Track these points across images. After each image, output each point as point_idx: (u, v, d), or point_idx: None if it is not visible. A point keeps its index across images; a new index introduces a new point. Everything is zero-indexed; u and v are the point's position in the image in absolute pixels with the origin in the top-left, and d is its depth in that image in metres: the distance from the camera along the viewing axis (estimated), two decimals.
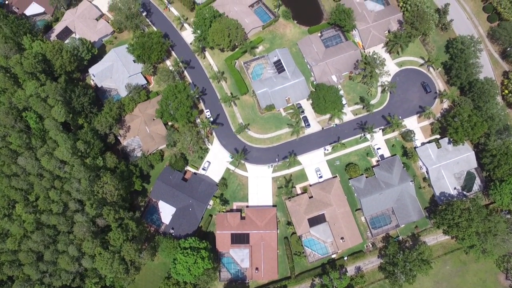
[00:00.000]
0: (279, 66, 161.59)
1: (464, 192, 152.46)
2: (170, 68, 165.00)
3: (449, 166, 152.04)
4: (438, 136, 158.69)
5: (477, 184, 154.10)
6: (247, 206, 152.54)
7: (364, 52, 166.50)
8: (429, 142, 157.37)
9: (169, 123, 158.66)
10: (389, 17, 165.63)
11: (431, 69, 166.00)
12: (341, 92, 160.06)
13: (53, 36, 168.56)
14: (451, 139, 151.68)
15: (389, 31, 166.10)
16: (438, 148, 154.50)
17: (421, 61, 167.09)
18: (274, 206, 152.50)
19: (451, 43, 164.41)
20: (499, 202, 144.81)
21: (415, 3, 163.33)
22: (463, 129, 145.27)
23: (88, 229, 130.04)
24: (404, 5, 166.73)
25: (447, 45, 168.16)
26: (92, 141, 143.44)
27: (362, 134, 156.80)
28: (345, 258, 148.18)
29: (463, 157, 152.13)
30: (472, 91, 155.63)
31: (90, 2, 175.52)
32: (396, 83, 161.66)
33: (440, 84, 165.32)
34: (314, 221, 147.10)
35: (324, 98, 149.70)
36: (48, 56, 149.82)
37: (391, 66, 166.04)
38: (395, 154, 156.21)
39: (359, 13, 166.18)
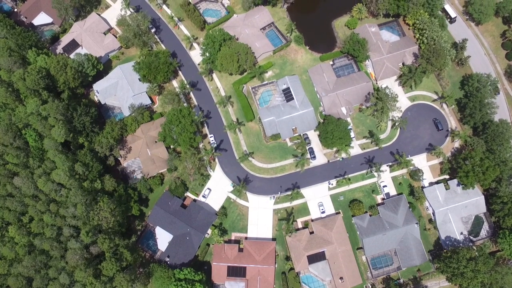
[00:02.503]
0: (287, 94, 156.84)
1: (471, 237, 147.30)
2: (176, 89, 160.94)
3: (456, 210, 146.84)
4: (447, 177, 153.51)
5: (485, 229, 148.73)
6: (246, 238, 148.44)
7: (376, 83, 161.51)
8: (437, 182, 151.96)
9: (171, 147, 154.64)
10: (404, 50, 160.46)
11: (444, 105, 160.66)
12: (350, 126, 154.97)
13: (59, 48, 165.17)
14: (460, 182, 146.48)
15: (403, 64, 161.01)
16: (446, 189, 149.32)
17: (435, 97, 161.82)
18: (273, 239, 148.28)
19: (466, 80, 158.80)
20: (508, 252, 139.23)
21: (432, 37, 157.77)
22: (474, 173, 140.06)
23: (81, 257, 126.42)
24: (421, 37, 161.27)
25: (462, 82, 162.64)
26: (91, 163, 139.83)
27: (369, 170, 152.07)
28: None
29: (472, 201, 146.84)
30: (485, 132, 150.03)
31: (99, 15, 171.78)
32: (407, 119, 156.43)
33: (452, 122, 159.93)
34: (314, 258, 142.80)
35: (332, 133, 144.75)
36: (52, 72, 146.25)
37: (403, 100, 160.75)
38: (402, 193, 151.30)
39: (373, 43, 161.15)
